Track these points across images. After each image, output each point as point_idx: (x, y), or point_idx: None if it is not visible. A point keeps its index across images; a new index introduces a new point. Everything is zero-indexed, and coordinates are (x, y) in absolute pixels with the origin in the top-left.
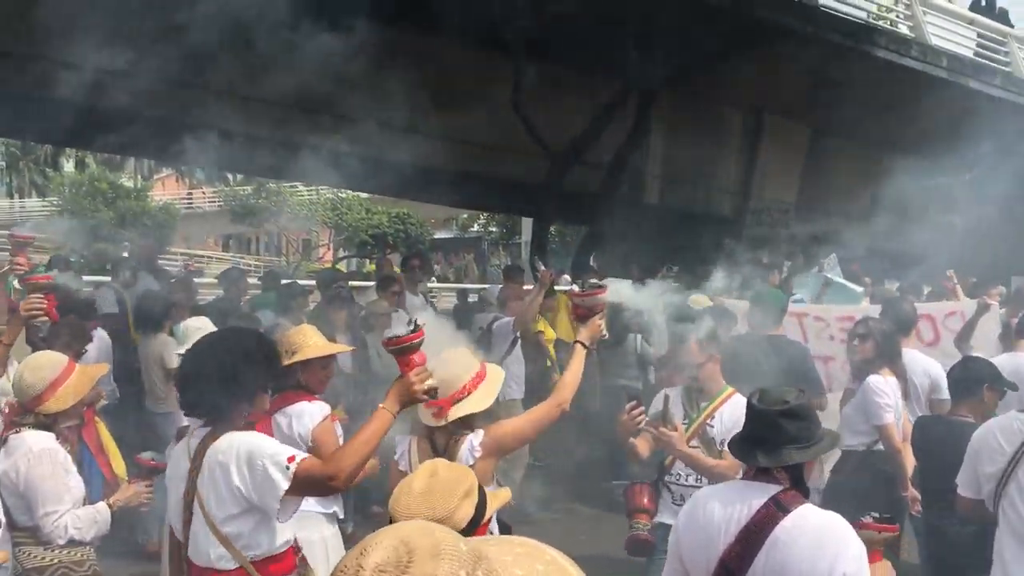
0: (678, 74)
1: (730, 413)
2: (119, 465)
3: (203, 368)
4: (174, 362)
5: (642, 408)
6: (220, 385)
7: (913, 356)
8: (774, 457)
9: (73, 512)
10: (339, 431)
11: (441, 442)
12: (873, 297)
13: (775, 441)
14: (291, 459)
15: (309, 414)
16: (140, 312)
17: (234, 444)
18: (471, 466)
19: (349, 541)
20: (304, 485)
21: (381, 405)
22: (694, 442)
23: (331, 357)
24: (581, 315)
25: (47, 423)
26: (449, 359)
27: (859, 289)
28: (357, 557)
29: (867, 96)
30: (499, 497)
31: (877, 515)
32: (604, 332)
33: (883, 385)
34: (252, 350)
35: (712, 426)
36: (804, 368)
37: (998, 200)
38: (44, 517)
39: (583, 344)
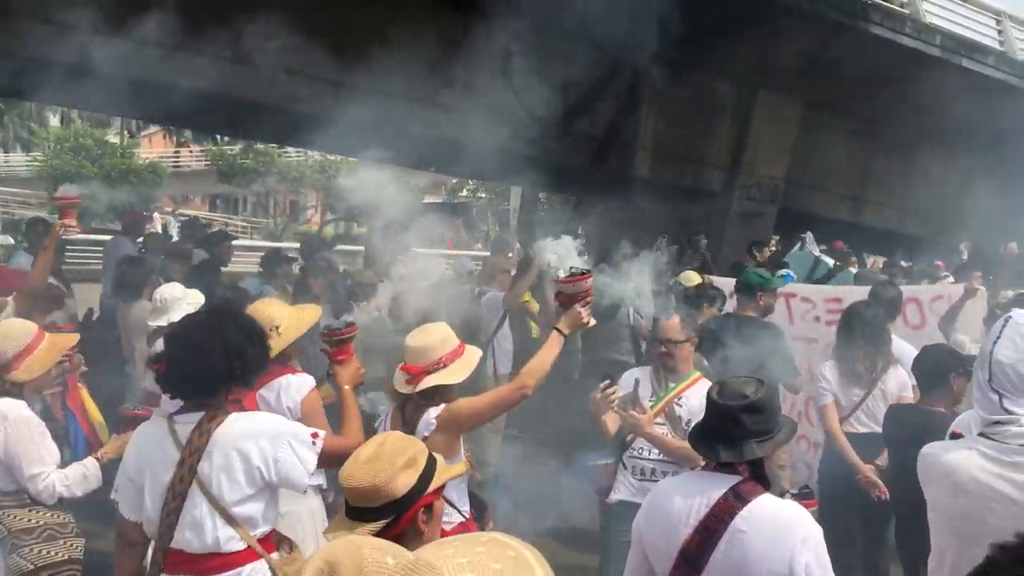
0: (672, 49)
1: (697, 397)
2: (102, 430)
3: (211, 351)
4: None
5: (615, 388)
6: (229, 369)
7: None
8: (735, 452)
9: (60, 471)
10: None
11: (409, 412)
12: (859, 277)
13: (735, 436)
14: (314, 435)
15: (296, 386)
16: (119, 277)
17: (250, 426)
18: (425, 438)
19: (330, 510)
20: (326, 460)
21: (347, 386)
22: (660, 419)
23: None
24: (562, 301)
25: (15, 391)
26: (428, 330)
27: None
28: None
29: (861, 73)
30: (451, 470)
31: (795, 491)
32: (586, 320)
33: (826, 371)
34: (252, 333)
35: (680, 405)
36: (778, 350)
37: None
38: (31, 479)
39: (560, 331)
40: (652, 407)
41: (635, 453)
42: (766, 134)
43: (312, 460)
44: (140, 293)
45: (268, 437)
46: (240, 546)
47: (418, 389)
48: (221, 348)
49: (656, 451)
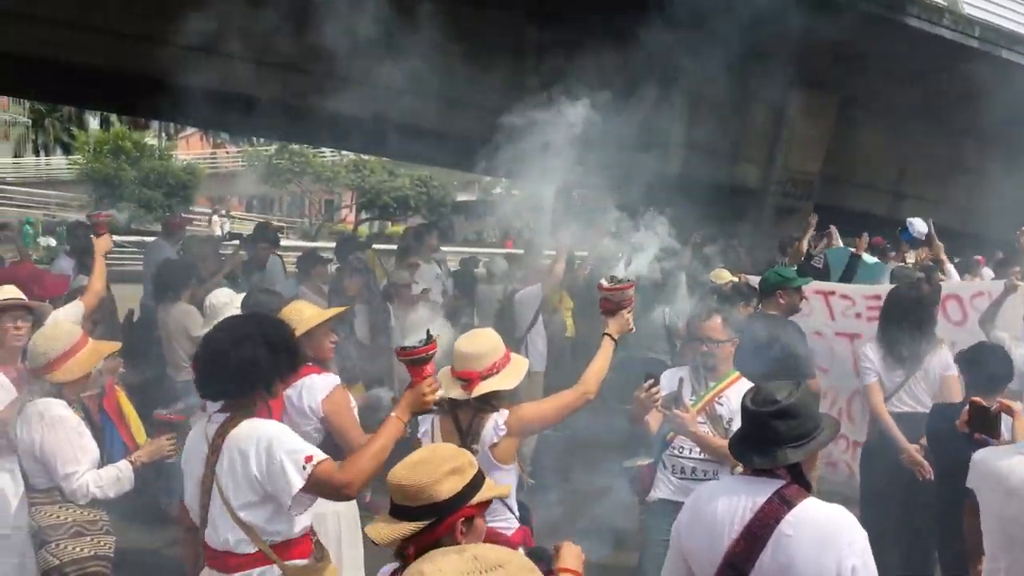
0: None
1: (738, 396)
2: (139, 433)
3: (226, 354)
4: (198, 331)
5: (659, 387)
6: (242, 373)
7: None
8: (769, 459)
9: (94, 471)
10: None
11: (465, 419)
12: (895, 275)
13: (769, 442)
14: (308, 459)
15: (320, 387)
16: (159, 280)
17: (254, 433)
18: (495, 444)
19: (366, 509)
20: (317, 487)
21: (394, 413)
22: (700, 418)
23: (329, 324)
24: (609, 309)
25: (55, 391)
26: (479, 335)
27: (873, 260)
28: (422, 562)
29: (898, 66)
30: (498, 489)
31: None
32: (632, 326)
33: (869, 352)
34: (276, 340)
35: (721, 404)
36: (793, 348)
37: None
38: (65, 478)
39: (611, 337)
40: (693, 406)
41: (676, 452)
42: (801, 129)
43: (297, 482)
44: (180, 296)
45: (266, 447)
46: (250, 549)
47: (475, 395)
48: (235, 357)
49: (697, 450)
